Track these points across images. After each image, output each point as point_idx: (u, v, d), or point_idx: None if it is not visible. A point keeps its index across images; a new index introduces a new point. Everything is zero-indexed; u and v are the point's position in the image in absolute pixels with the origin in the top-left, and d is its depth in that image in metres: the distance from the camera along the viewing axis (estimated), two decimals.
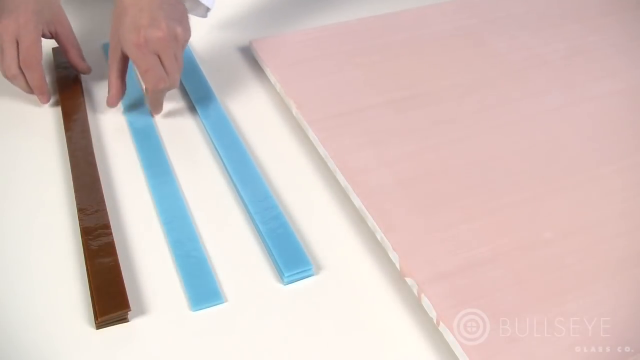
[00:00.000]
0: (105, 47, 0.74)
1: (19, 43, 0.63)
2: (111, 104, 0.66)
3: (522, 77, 0.71)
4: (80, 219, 0.54)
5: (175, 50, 0.62)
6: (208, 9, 0.72)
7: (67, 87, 0.69)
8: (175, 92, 0.69)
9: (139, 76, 0.63)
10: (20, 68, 0.64)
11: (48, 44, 0.70)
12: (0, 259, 0.52)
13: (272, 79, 0.71)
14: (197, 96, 0.69)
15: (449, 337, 0.46)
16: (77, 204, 0.55)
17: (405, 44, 0.76)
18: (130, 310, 0.47)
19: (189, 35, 0.64)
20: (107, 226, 0.53)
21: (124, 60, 0.64)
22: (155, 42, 0.60)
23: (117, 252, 0.51)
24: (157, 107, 0.66)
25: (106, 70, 0.66)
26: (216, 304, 0.49)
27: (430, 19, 0.81)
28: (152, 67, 0.61)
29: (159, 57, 0.61)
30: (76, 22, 0.73)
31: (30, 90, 0.66)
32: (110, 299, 0.48)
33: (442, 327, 0.47)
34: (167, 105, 0.68)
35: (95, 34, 0.77)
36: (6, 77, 0.65)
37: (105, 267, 0.50)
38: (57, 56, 0.73)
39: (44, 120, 0.66)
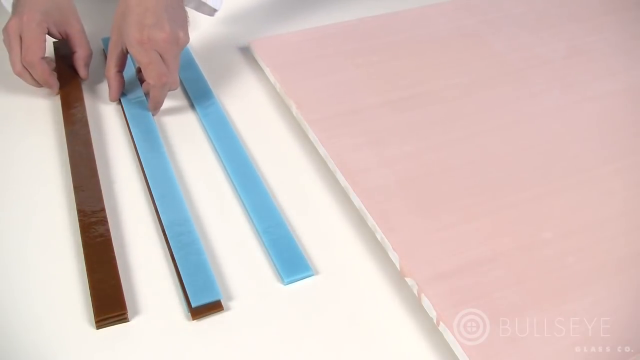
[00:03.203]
0: (105, 42, 0.74)
1: (22, 40, 0.64)
2: (113, 98, 0.67)
3: (522, 77, 0.71)
4: (80, 220, 0.54)
5: (176, 52, 0.64)
6: (215, 10, 0.74)
7: (67, 82, 0.69)
8: (174, 92, 0.69)
9: (142, 71, 0.64)
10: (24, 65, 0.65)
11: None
12: (0, 259, 0.52)
13: (272, 79, 0.70)
14: (197, 96, 0.69)
15: (449, 337, 0.46)
16: (77, 204, 0.55)
17: (405, 44, 0.76)
18: (126, 312, 0.47)
19: (188, 41, 0.66)
20: (105, 224, 0.53)
21: (123, 56, 0.66)
22: (157, 42, 0.62)
23: (116, 251, 0.52)
24: (157, 105, 0.66)
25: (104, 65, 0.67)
26: None
27: (430, 19, 0.81)
28: (154, 61, 0.62)
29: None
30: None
31: (37, 84, 0.67)
32: (107, 299, 0.48)
33: (442, 327, 0.47)
34: (167, 105, 0.68)
35: (98, 29, 0.77)
36: (14, 73, 0.66)
37: (103, 266, 0.50)
38: (57, 50, 0.72)
39: (43, 116, 0.66)
